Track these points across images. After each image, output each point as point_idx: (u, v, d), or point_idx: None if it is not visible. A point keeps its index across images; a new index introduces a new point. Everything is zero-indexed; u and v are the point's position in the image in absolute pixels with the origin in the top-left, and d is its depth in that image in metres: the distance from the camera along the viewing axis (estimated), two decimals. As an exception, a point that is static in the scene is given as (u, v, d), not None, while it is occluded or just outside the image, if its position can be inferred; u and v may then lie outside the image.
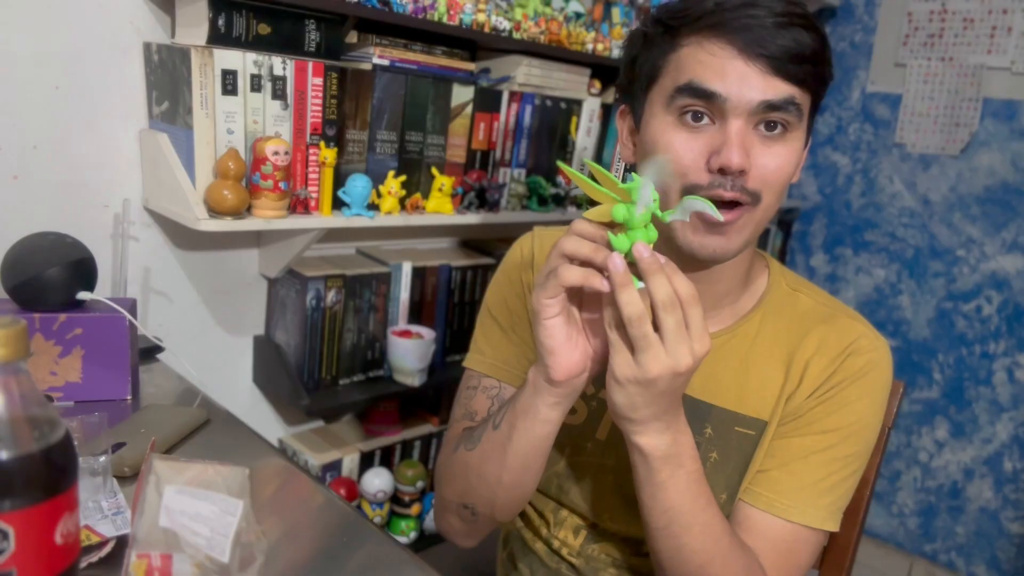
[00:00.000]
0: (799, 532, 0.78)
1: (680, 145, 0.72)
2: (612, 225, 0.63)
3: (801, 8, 0.71)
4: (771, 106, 0.70)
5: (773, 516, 0.78)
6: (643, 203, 0.60)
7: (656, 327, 0.60)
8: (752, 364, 0.82)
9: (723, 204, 0.70)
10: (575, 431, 0.88)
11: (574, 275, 0.62)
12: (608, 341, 0.63)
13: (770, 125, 0.71)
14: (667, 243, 0.75)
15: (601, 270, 0.61)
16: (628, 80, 0.81)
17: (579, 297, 0.67)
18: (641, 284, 0.60)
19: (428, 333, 1.45)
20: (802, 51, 0.69)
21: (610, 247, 0.61)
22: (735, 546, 0.74)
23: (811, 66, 0.71)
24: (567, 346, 0.66)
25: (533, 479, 0.78)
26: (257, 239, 1.39)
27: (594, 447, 0.87)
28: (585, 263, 0.62)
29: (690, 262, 0.76)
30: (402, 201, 1.33)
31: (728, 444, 0.82)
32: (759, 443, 0.81)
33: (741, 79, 0.69)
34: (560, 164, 0.67)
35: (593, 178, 0.63)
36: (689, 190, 0.72)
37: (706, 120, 0.71)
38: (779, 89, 0.70)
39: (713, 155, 0.70)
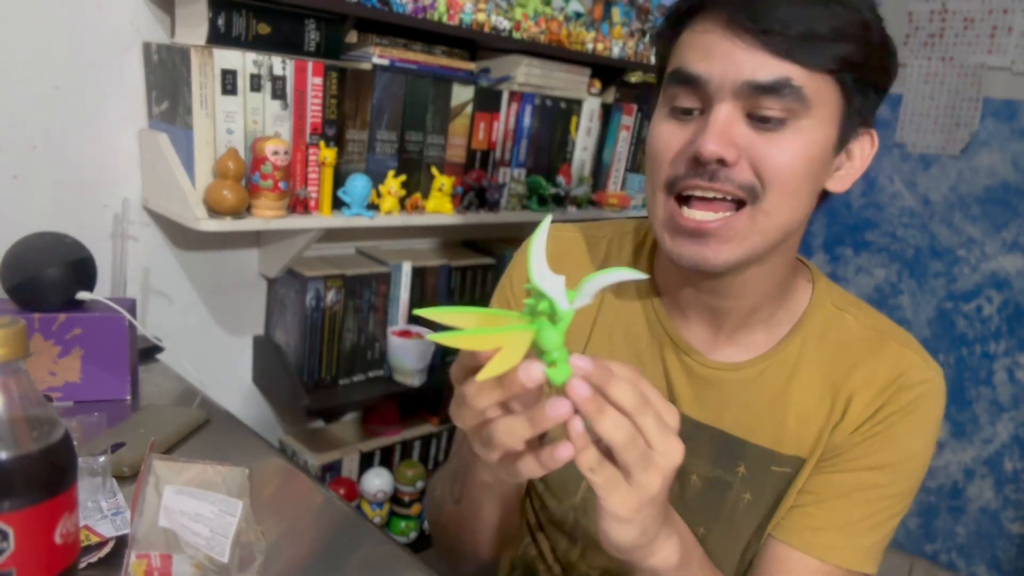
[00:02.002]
0: (835, 574, 0.70)
1: (666, 136, 0.64)
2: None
3: None
4: (759, 87, 0.59)
5: (808, 556, 0.70)
6: (585, 297, 0.43)
7: None
8: (791, 396, 0.72)
9: (706, 206, 0.62)
10: None
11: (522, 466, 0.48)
12: (590, 484, 0.48)
13: (766, 118, 0.60)
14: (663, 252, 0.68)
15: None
16: (657, 83, 0.72)
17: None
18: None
19: (428, 333, 1.45)
20: (803, 23, 0.58)
21: (548, 385, 0.44)
22: None
23: (818, 41, 0.58)
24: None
25: (513, 527, 0.73)
26: (257, 239, 1.39)
27: None
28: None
29: (695, 273, 0.67)
30: (402, 201, 1.33)
31: (763, 485, 0.73)
32: (794, 480, 0.73)
33: (725, 56, 0.60)
34: (418, 312, 0.45)
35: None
36: (669, 183, 0.64)
37: (697, 113, 0.63)
38: (766, 66, 0.59)
39: (692, 144, 0.62)
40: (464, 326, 0.43)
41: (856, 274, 2.41)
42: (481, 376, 0.42)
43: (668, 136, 0.64)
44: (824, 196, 0.68)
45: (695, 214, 0.62)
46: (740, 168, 0.61)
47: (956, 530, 2.26)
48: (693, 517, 0.74)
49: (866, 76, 0.62)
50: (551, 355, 0.43)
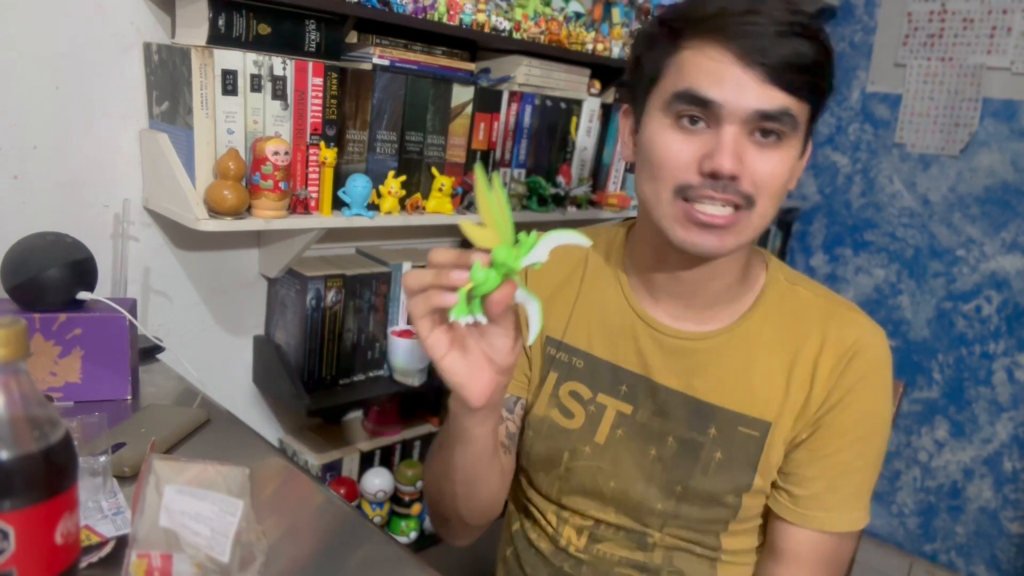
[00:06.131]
0: (844, 538, 0.82)
1: (675, 146, 0.73)
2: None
3: (806, 18, 0.71)
4: (765, 115, 0.71)
5: (823, 533, 0.80)
6: (532, 259, 0.57)
7: None
8: (755, 364, 0.82)
9: (717, 204, 0.73)
10: (573, 435, 0.87)
11: (424, 303, 0.59)
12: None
13: (765, 132, 0.72)
14: (658, 236, 0.78)
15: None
16: (632, 80, 0.81)
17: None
18: (462, 319, 0.58)
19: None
20: (801, 62, 0.70)
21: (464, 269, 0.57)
22: None
23: (809, 77, 0.71)
24: (474, 375, 0.63)
25: (487, 487, 0.81)
26: (257, 239, 1.39)
27: (593, 451, 0.87)
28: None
29: (682, 257, 0.79)
30: (402, 201, 1.33)
31: (732, 444, 0.82)
32: (764, 444, 0.82)
33: (737, 86, 0.70)
34: (477, 168, 0.59)
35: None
36: (680, 190, 0.73)
37: (701, 124, 0.73)
38: (774, 98, 0.70)
39: (705, 158, 0.71)
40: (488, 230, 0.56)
41: (855, 274, 2.42)
42: (467, 228, 0.57)
43: (676, 146, 0.73)
44: None
45: (707, 208, 0.73)
46: (743, 181, 0.72)
47: (955, 530, 2.26)
48: (671, 476, 0.84)
49: (826, 97, 0.76)
50: (499, 267, 0.56)
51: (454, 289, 0.57)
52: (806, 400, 0.80)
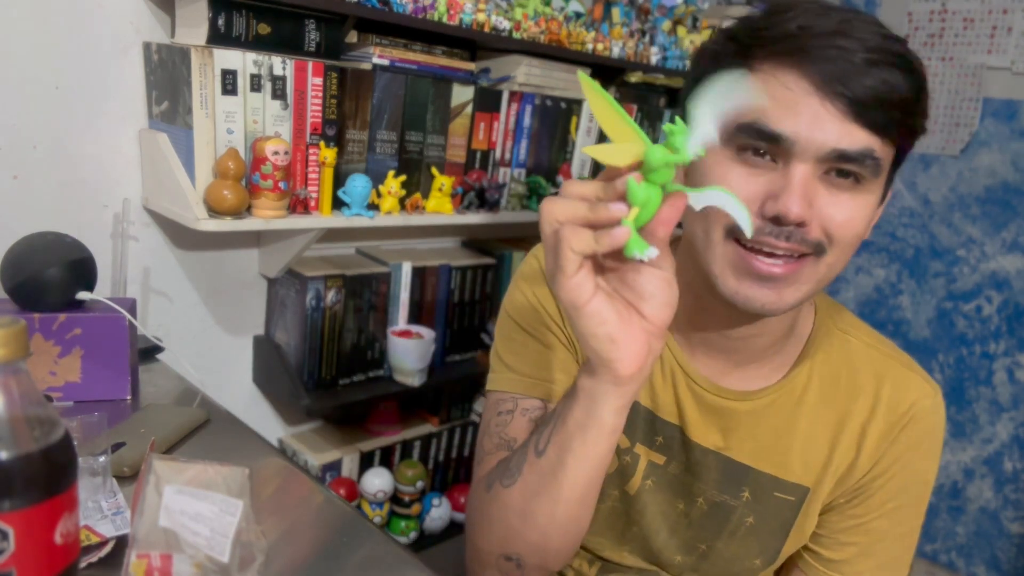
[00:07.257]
0: None
1: (735, 182, 0.62)
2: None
3: (900, 45, 0.61)
4: (844, 155, 0.60)
5: None
6: (698, 142, 0.44)
7: None
8: (798, 425, 0.75)
9: (777, 255, 0.63)
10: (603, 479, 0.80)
11: (584, 240, 0.48)
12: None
13: (841, 172, 0.62)
14: (703, 282, 0.68)
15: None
16: (690, 99, 0.71)
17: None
18: (644, 255, 0.47)
19: (428, 333, 1.45)
20: (891, 96, 0.59)
21: (622, 198, 0.47)
22: None
23: (899, 114, 0.61)
24: (625, 328, 0.52)
25: (591, 510, 0.66)
26: (257, 239, 1.39)
27: (620, 497, 0.81)
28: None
29: (730, 311, 0.68)
30: (402, 201, 1.33)
31: (766, 510, 0.77)
32: (800, 509, 0.77)
33: (814, 120, 0.60)
34: (582, 75, 0.48)
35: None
36: (734, 232, 0.63)
37: (768, 158, 0.63)
38: (856, 138, 0.60)
39: (769, 200, 0.61)
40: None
41: (856, 274, 2.41)
42: (588, 149, 0.48)
43: (736, 183, 0.62)
44: None
45: (765, 259, 0.63)
46: (812, 228, 0.62)
47: (956, 530, 2.26)
48: (696, 534, 0.79)
49: (916, 138, 0.65)
50: (657, 175, 0.46)
51: (613, 224, 0.47)
52: (850, 467, 0.75)
